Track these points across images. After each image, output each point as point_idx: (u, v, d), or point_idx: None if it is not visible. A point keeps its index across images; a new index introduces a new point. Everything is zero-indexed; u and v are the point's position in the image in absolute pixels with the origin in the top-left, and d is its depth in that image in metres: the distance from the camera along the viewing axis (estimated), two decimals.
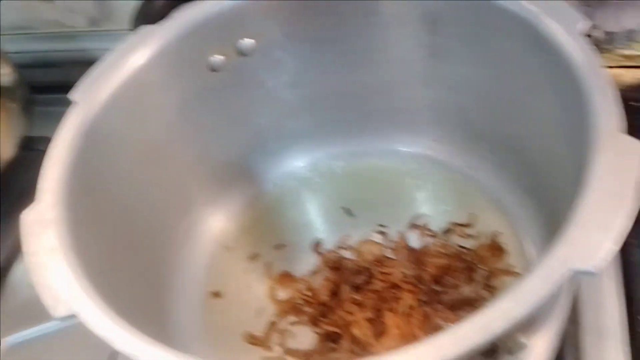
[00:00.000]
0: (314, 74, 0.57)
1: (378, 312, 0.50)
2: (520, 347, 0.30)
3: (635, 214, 0.31)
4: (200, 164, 0.57)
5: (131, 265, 0.47)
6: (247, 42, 0.53)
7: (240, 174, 0.61)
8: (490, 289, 0.51)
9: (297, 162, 0.63)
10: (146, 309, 0.47)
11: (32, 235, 0.39)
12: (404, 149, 0.61)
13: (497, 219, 0.54)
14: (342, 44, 0.55)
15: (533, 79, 0.45)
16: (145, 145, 0.51)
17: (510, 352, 0.30)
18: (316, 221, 0.60)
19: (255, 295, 0.55)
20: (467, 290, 0.51)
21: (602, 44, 0.67)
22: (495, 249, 0.53)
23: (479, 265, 0.52)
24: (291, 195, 0.62)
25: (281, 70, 0.56)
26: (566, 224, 0.31)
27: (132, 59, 0.48)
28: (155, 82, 0.50)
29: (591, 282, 0.53)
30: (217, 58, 0.53)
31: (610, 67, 0.69)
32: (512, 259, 0.52)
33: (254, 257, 0.58)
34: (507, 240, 0.53)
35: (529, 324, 0.30)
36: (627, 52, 0.71)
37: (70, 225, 0.39)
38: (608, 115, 0.35)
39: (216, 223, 0.60)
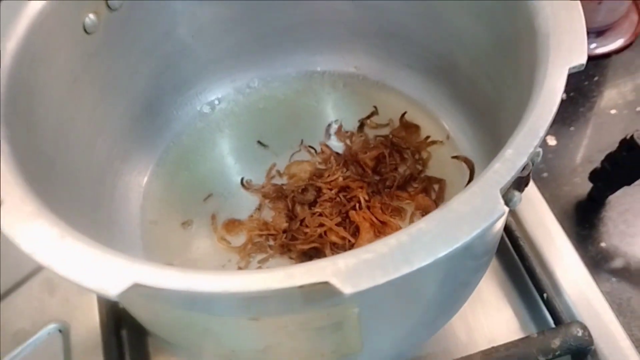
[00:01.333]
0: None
1: (342, 215, 0.52)
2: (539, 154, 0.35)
3: None
4: (107, 125, 0.52)
5: None
6: None
7: (148, 128, 0.57)
8: (422, 161, 0.56)
9: (202, 105, 0.61)
10: None
11: None
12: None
13: (401, 102, 0.59)
14: None
15: None
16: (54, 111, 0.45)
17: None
18: (236, 162, 0.59)
19: (208, 255, 0.53)
20: (403, 169, 0.55)
21: None
22: (409, 126, 0.58)
23: (402, 146, 0.56)
24: (203, 142, 0.59)
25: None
26: (539, 43, 0.36)
27: (14, 30, 0.41)
28: (39, 55, 0.43)
29: None
30: (91, 19, 0.48)
31: None
32: (429, 130, 0.57)
33: (187, 223, 0.55)
34: (417, 116, 0.58)
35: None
36: None
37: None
38: None
39: (137, 184, 0.56)
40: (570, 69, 0.33)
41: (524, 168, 0.34)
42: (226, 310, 0.33)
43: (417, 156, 0.56)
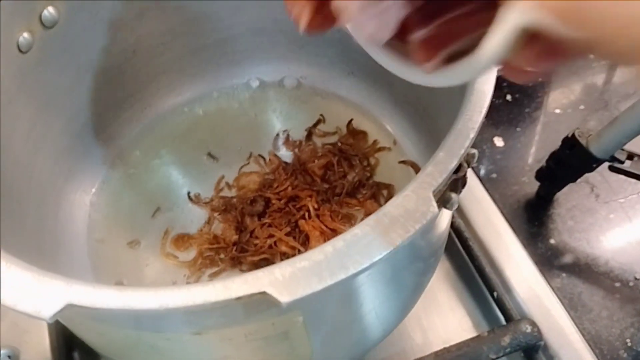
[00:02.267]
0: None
1: (292, 225, 0.52)
2: (474, 156, 0.35)
3: None
4: (46, 144, 0.51)
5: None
6: (49, 10, 0.48)
7: (91, 144, 0.56)
8: (370, 168, 0.56)
9: (148, 120, 0.60)
10: None
11: None
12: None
13: (347, 110, 0.59)
14: None
15: None
16: None
17: (469, 163, 0.35)
18: (184, 176, 0.58)
19: (158, 272, 0.52)
20: (352, 176, 0.56)
21: None
22: (356, 133, 0.58)
23: (350, 153, 0.57)
24: (149, 157, 0.59)
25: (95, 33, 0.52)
26: None
27: None
28: None
29: None
30: (25, 37, 0.47)
31: None
32: (376, 136, 0.58)
33: (133, 242, 0.54)
34: (363, 123, 0.59)
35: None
36: None
37: None
38: None
39: (82, 203, 0.55)
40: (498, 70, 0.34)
41: (458, 169, 0.34)
42: (168, 327, 0.32)
43: (365, 162, 0.56)
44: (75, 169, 0.53)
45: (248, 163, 0.58)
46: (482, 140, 0.69)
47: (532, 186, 0.65)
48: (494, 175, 0.66)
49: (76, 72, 0.52)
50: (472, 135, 0.32)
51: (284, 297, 0.27)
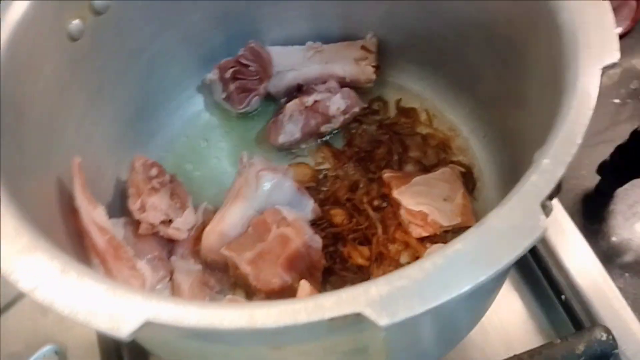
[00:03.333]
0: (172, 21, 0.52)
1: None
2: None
3: None
4: (98, 133, 0.49)
5: None
6: None
7: (141, 133, 0.55)
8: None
9: (191, 117, 0.58)
10: None
11: None
12: None
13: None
14: None
15: None
16: (44, 124, 0.42)
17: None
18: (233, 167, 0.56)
19: None
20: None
21: None
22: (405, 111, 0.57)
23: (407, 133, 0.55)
24: (196, 149, 0.57)
25: (138, 23, 0.50)
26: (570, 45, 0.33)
27: None
28: (25, 63, 0.40)
29: None
30: (76, 24, 0.44)
31: None
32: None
33: None
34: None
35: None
36: None
37: None
38: None
39: None
40: (603, 68, 0.31)
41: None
42: (248, 342, 0.30)
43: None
44: (124, 159, 0.51)
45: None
46: None
47: (590, 180, 0.62)
48: None
49: (126, 59, 0.50)
50: (579, 140, 0.29)
51: (383, 320, 0.25)
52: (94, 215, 0.41)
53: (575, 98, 0.31)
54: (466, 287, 0.25)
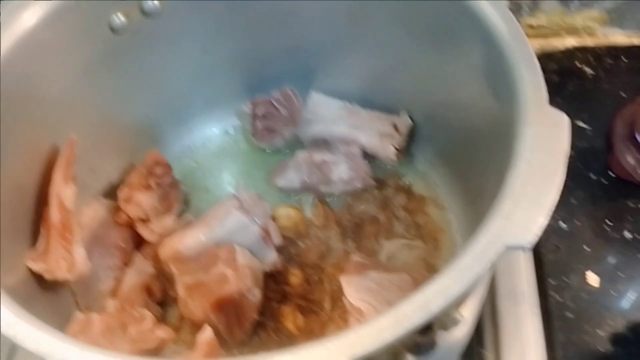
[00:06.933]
0: (225, 38, 0.54)
1: None
2: (455, 322, 0.30)
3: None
4: (105, 131, 0.53)
5: None
6: (153, 2, 0.49)
7: (148, 144, 0.57)
8: None
9: (210, 129, 0.61)
10: None
11: None
12: None
13: None
14: (257, 6, 0.52)
15: (457, 47, 0.44)
16: (44, 109, 0.46)
17: (445, 327, 0.30)
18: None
19: None
20: None
21: None
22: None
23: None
24: (211, 166, 0.60)
25: (189, 34, 0.53)
26: (498, 199, 0.30)
27: (22, 18, 0.42)
28: (50, 44, 0.44)
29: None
30: (120, 19, 0.48)
31: None
32: None
33: None
34: None
35: (463, 300, 0.30)
36: (532, 21, 0.74)
37: None
38: (534, 87, 0.35)
39: None
40: (508, 246, 0.28)
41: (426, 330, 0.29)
42: None
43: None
44: (142, 151, 0.55)
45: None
46: (574, 269, 0.59)
47: (606, 345, 0.55)
48: (569, 314, 0.57)
49: (166, 67, 0.54)
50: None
51: None
52: (61, 191, 0.45)
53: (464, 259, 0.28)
54: None
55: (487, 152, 0.42)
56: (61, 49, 0.45)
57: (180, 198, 0.55)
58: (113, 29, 0.48)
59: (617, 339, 0.53)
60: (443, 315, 0.29)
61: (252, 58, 0.57)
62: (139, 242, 0.53)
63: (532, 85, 0.35)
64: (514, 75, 0.36)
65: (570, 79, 0.72)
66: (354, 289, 0.45)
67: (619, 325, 0.54)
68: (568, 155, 0.31)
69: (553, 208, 0.30)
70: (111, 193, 0.54)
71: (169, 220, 0.53)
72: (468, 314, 0.37)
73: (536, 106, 0.34)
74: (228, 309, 0.46)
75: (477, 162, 0.47)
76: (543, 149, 0.32)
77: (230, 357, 0.45)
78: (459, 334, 0.37)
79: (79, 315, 0.43)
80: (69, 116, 0.48)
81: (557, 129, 0.32)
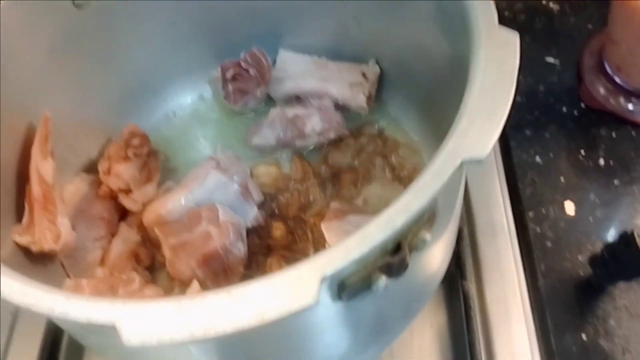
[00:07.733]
0: (191, 7, 0.55)
1: None
2: (424, 242, 0.31)
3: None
4: (81, 108, 0.53)
5: None
6: None
7: (124, 117, 0.57)
8: None
9: (184, 98, 0.61)
10: None
11: None
12: None
13: None
14: None
15: None
16: (16, 90, 0.46)
17: (415, 248, 0.31)
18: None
19: None
20: None
21: None
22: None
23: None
24: (186, 134, 0.60)
25: (155, 7, 0.53)
26: (456, 118, 0.31)
27: None
28: (15, 24, 0.45)
29: (481, 183, 0.57)
30: None
31: None
32: None
33: None
34: None
35: (429, 220, 0.31)
36: None
37: None
38: (484, 11, 0.36)
39: None
40: (464, 160, 0.29)
41: (397, 249, 0.31)
42: None
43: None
44: (119, 126, 0.56)
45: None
46: (551, 201, 0.61)
47: (586, 269, 0.56)
48: (548, 244, 0.58)
49: (139, 36, 0.54)
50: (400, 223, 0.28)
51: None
52: (40, 166, 0.46)
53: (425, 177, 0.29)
54: None
55: (452, 89, 0.43)
56: (26, 28, 0.46)
57: (159, 167, 0.56)
58: (76, 4, 0.48)
59: (595, 262, 0.54)
60: (410, 235, 0.31)
61: (219, 24, 0.58)
62: (123, 213, 0.54)
63: (482, 10, 0.36)
64: (466, 5, 0.37)
65: (537, 16, 0.73)
66: (334, 234, 0.46)
67: (597, 249, 0.55)
68: (517, 71, 0.32)
69: (504, 122, 0.31)
70: (92, 169, 0.55)
71: (150, 190, 0.54)
72: (441, 240, 0.38)
73: (487, 29, 0.35)
74: (214, 264, 0.47)
75: (444, 101, 0.48)
76: (495, 69, 0.33)
77: None
78: (432, 256, 0.38)
79: (68, 282, 0.44)
80: (43, 96, 0.49)
81: (508, 48, 0.33)
